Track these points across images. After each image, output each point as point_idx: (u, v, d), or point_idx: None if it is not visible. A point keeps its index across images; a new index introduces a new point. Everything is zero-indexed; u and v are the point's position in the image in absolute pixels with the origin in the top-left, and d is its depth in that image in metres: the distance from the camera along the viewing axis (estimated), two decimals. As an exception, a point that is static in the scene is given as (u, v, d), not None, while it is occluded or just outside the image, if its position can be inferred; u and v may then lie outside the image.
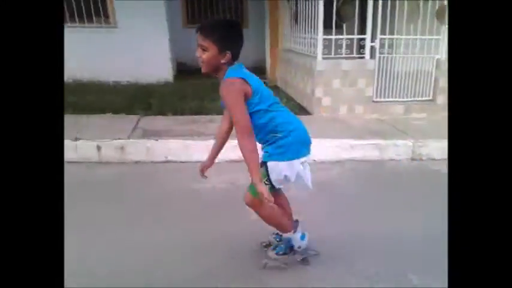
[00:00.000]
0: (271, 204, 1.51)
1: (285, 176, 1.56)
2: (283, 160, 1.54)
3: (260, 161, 1.54)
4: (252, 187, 1.53)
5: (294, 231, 1.77)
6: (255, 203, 1.60)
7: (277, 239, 1.84)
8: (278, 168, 1.55)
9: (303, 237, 1.79)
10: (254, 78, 1.52)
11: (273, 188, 1.59)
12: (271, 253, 1.82)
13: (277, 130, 1.55)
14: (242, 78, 1.45)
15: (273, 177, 1.56)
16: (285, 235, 1.78)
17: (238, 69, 1.49)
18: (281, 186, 1.67)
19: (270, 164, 1.56)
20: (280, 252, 1.80)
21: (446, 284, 1.04)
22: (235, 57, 1.49)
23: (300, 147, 1.56)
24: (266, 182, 1.55)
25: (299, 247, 1.79)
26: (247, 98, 1.47)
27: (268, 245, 1.89)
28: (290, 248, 1.80)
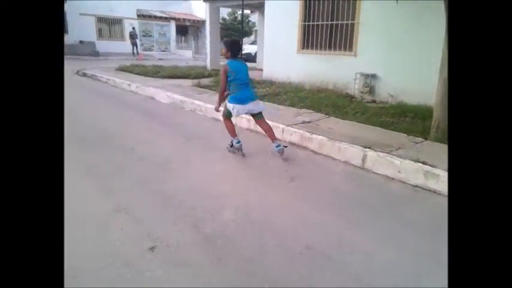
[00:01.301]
0: (227, 121, 4.02)
1: (231, 108, 3.84)
2: (228, 103, 3.84)
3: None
4: (226, 111, 3.95)
5: (234, 137, 4.04)
6: (223, 118, 4.06)
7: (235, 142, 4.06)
8: (227, 105, 3.85)
9: (238, 142, 4.01)
10: (234, 65, 3.73)
11: (230, 114, 3.91)
12: (228, 145, 4.15)
13: (231, 89, 3.81)
14: (227, 65, 3.71)
15: (228, 107, 3.86)
16: (231, 137, 4.05)
17: (229, 61, 3.74)
18: (233, 113, 3.86)
19: (227, 103, 3.86)
20: (229, 145, 4.14)
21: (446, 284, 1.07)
22: (233, 55, 3.77)
23: (234, 100, 3.78)
24: (228, 110, 3.89)
25: (233, 145, 4.08)
26: (227, 73, 3.71)
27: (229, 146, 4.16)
28: (231, 145, 4.09)
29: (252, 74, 10.59)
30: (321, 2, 8.03)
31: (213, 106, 6.12)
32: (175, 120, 5.90)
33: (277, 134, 4.77)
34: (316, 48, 8.32)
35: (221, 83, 3.83)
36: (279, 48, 9.36)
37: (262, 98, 6.90)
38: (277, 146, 3.85)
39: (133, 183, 3.22)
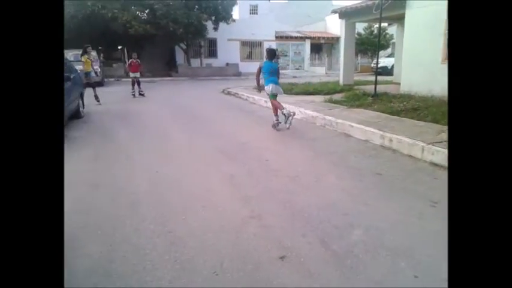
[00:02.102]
0: (272, 101, 6.47)
1: (267, 89, 6.41)
2: (265, 86, 6.45)
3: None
4: (270, 95, 6.46)
5: (275, 115, 6.47)
6: (271, 100, 6.50)
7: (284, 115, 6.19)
8: (265, 87, 6.44)
9: (277, 120, 6.43)
10: (266, 64, 6.40)
11: (272, 96, 6.42)
12: (282, 117, 6.38)
13: (265, 79, 6.42)
14: (262, 63, 6.53)
15: (266, 89, 6.44)
16: (274, 115, 6.53)
17: (264, 62, 6.49)
18: (269, 93, 6.40)
19: (265, 87, 6.47)
20: (281, 117, 6.38)
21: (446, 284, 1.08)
22: (268, 58, 6.46)
23: (269, 82, 6.33)
24: (267, 92, 6.48)
25: (285, 114, 6.14)
26: (260, 68, 6.45)
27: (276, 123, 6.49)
28: (277, 119, 6.48)
29: (388, 88, 10.20)
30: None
31: (344, 121, 6.25)
32: (306, 135, 6.04)
33: (416, 153, 4.38)
34: (467, 58, 7.36)
35: (256, 75, 6.51)
36: (419, 59, 8.64)
37: (399, 113, 6.45)
38: (284, 114, 6.10)
39: (267, 193, 3.44)
